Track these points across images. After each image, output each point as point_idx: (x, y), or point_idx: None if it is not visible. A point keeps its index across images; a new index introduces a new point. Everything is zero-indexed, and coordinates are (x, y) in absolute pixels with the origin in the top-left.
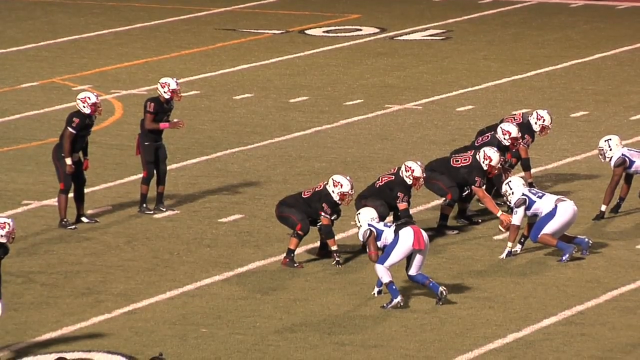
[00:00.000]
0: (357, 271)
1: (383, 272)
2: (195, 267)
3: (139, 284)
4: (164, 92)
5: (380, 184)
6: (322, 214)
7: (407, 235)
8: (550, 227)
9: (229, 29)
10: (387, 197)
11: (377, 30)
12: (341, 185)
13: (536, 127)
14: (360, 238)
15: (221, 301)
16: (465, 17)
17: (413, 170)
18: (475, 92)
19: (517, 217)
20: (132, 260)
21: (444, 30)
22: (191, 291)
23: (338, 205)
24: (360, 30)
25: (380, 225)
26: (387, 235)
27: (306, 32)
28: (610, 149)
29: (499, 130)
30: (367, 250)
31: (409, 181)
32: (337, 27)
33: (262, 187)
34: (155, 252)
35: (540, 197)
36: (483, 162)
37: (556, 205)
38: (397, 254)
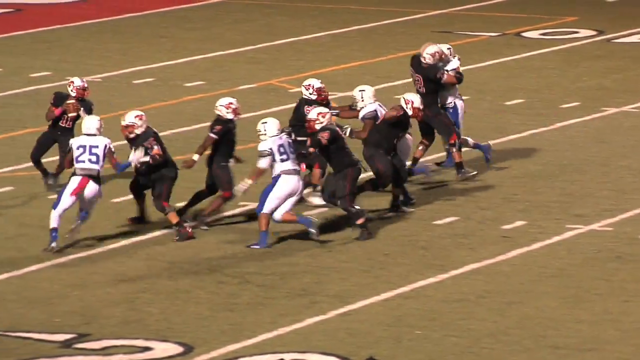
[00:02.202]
0: (572, 275)
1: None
2: (409, 269)
3: (353, 286)
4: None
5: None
6: None
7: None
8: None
9: (445, 31)
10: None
11: (594, 32)
12: None
13: None
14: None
15: (435, 303)
16: None
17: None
18: None
19: (263, 162)
20: (347, 261)
21: None
22: (405, 293)
23: None
24: (577, 32)
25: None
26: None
27: (522, 34)
28: (363, 100)
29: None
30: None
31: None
32: (553, 30)
33: (477, 190)
34: (370, 254)
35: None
36: (406, 106)
37: (279, 175)
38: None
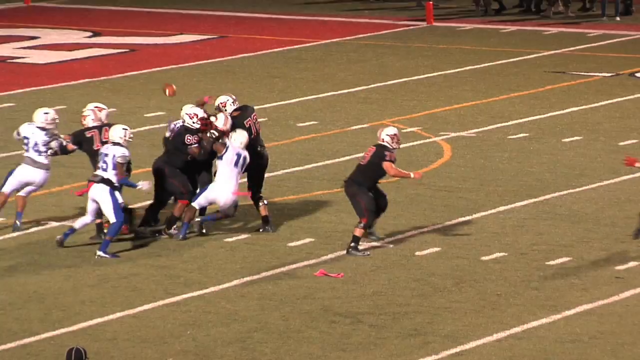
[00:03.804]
0: None
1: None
2: (522, 309)
3: (465, 326)
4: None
5: (364, 162)
6: None
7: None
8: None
9: (558, 72)
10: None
11: None
12: None
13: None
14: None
15: (548, 344)
16: None
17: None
18: None
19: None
20: (460, 302)
21: None
22: (518, 334)
23: None
24: None
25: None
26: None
27: (636, 74)
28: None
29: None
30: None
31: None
32: None
33: (590, 231)
34: (482, 294)
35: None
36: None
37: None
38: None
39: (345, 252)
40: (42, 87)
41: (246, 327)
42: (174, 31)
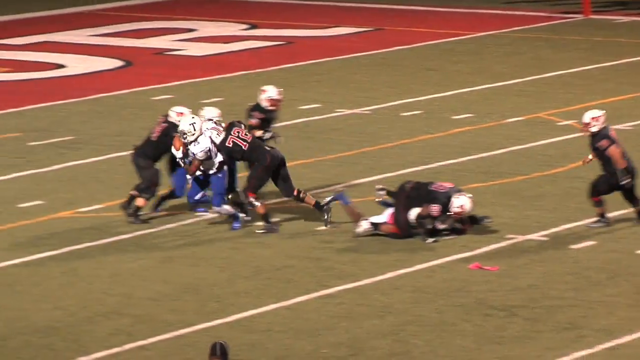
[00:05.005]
0: None
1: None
2: None
3: (620, 320)
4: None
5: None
6: None
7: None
8: None
9: None
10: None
11: None
12: None
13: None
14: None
15: None
16: None
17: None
18: None
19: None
20: (614, 295)
21: None
22: None
23: None
24: None
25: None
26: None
27: None
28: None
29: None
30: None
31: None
32: None
33: None
34: (638, 288)
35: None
36: None
37: None
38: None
39: (500, 245)
40: (198, 80)
41: (400, 319)
42: (330, 23)
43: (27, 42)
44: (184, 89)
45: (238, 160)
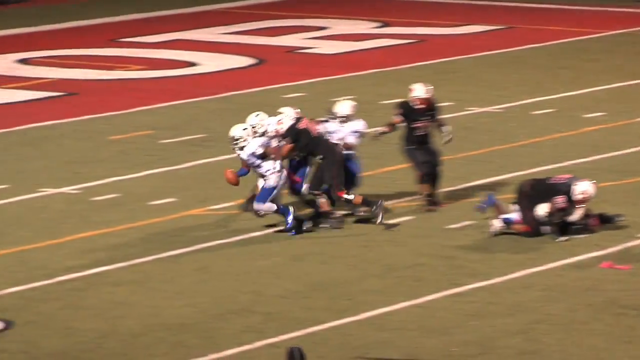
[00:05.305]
0: None
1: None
2: None
3: None
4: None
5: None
6: None
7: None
8: None
9: None
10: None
11: None
12: None
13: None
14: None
15: None
16: None
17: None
18: None
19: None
20: None
21: None
22: None
23: None
24: None
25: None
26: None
27: None
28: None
29: None
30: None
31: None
32: None
33: None
34: None
35: None
36: None
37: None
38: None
39: (632, 243)
40: (329, 78)
41: (530, 318)
42: (461, 21)
43: (160, 40)
44: (315, 87)
45: (302, 150)
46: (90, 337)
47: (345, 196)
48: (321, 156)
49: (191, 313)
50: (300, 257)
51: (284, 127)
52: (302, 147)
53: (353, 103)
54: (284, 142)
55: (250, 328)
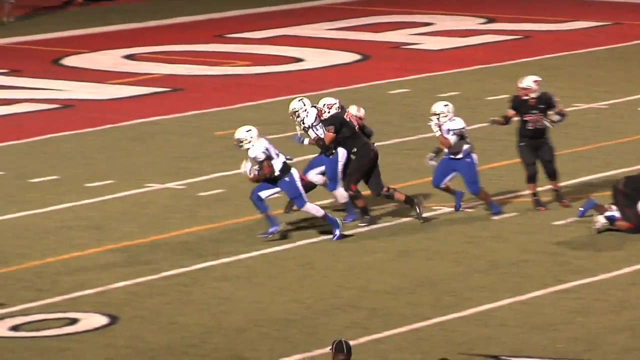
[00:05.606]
0: None
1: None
2: None
3: None
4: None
5: None
6: None
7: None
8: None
9: None
10: None
11: None
12: None
13: None
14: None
15: None
16: None
17: None
18: None
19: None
20: None
21: None
22: None
23: None
24: None
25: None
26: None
27: None
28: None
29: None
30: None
31: None
32: None
33: None
34: None
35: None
36: None
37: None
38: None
39: None
40: (435, 73)
41: (636, 315)
42: (568, 17)
43: (266, 36)
44: (420, 82)
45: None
46: (195, 332)
47: (353, 192)
48: (355, 150)
49: (295, 308)
50: (405, 253)
51: (327, 114)
52: (340, 138)
53: (446, 103)
54: (267, 164)
55: (354, 324)
